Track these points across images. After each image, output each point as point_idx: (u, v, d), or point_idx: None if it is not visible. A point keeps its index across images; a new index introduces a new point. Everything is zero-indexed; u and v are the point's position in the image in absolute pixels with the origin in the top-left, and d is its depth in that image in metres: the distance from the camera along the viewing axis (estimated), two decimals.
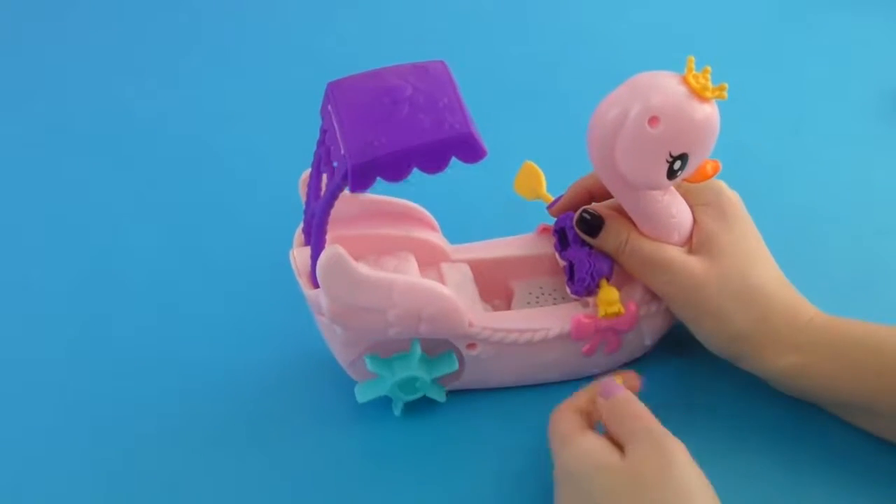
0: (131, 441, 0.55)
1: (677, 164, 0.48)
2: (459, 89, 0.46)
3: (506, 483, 0.52)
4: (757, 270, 0.52)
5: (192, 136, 0.77)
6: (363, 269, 0.47)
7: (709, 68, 0.47)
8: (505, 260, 0.58)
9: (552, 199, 0.58)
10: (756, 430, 0.55)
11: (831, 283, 0.61)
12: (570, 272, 0.54)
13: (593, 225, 0.53)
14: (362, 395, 0.54)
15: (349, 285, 0.47)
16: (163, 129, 0.78)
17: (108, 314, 0.62)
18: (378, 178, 0.44)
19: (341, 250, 0.46)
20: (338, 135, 0.44)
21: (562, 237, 0.56)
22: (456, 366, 0.53)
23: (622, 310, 0.53)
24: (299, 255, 0.51)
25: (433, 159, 0.43)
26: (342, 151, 0.43)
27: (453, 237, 0.58)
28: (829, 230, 0.68)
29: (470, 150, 0.44)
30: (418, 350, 0.52)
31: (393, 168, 0.43)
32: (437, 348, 0.53)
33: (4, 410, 0.56)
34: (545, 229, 0.59)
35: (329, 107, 0.46)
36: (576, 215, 0.54)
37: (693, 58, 0.47)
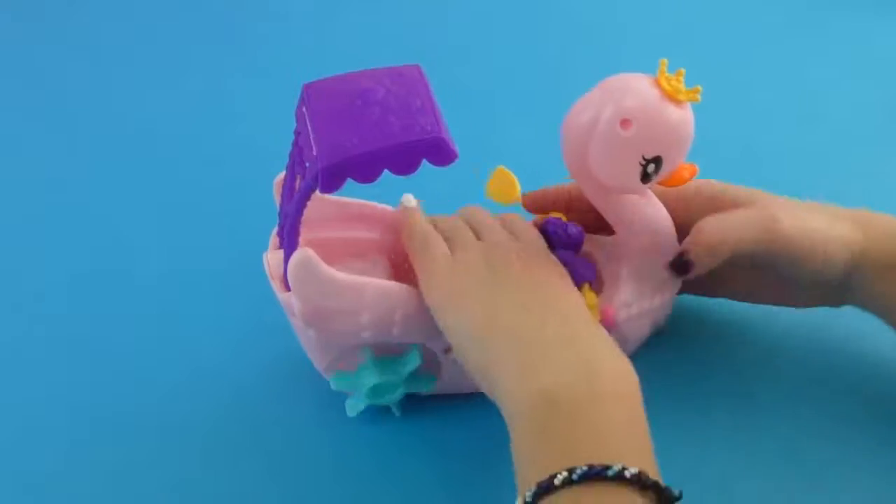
0: (130, 440, 0.55)
1: (651, 168, 0.47)
2: (433, 92, 0.46)
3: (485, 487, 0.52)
4: None
5: (192, 136, 0.77)
6: (333, 271, 0.47)
7: (682, 70, 0.47)
8: None
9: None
10: (750, 427, 0.55)
11: None
12: None
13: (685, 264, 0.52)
14: (351, 409, 0.54)
15: (320, 287, 0.47)
16: (163, 128, 0.78)
17: (106, 313, 0.62)
18: (350, 180, 0.44)
19: (311, 252, 0.46)
20: (310, 136, 0.45)
21: (546, 240, 0.56)
22: (417, 361, 0.52)
23: (597, 315, 0.52)
24: (273, 257, 0.51)
25: (404, 161, 0.44)
26: (314, 152, 0.44)
27: None
28: None
29: (440, 153, 0.44)
30: (368, 356, 0.52)
31: (363, 169, 0.43)
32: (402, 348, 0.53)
33: (4, 409, 0.56)
34: None
35: (303, 108, 0.46)
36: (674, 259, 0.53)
37: (665, 60, 0.47)
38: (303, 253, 0.46)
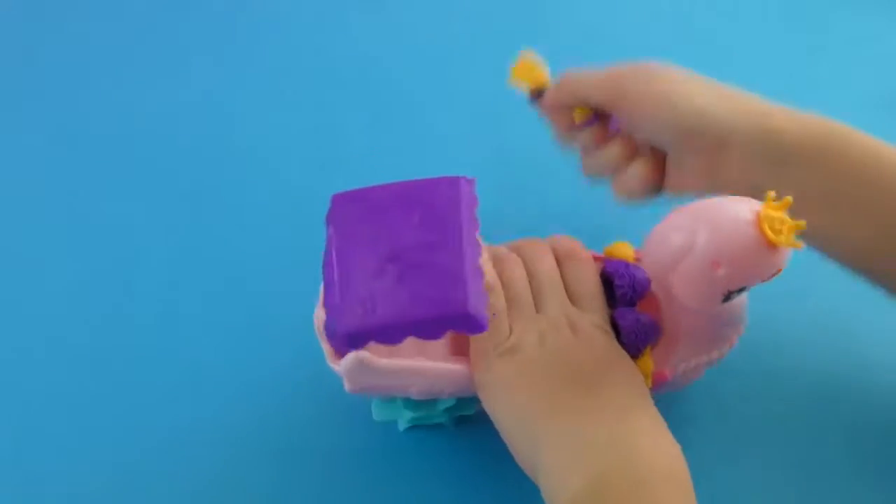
0: (141, 442, 0.56)
1: (734, 295, 0.44)
2: (468, 222, 0.43)
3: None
4: None
5: (203, 136, 0.73)
6: (388, 363, 0.46)
7: (789, 199, 0.42)
8: None
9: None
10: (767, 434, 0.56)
11: (837, 280, 0.60)
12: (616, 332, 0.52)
13: None
14: (378, 414, 0.54)
15: (375, 378, 0.46)
16: (173, 128, 0.74)
17: (119, 315, 0.62)
18: None
19: (364, 355, 0.45)
20: (334, 275, 0.42)
21: (608, 286, 0.53)
22: (453, 401, 0.52)
23: (650, 383, 0.51)
24: (321, 315, 0.49)
25: (428, 332, 0.42)
26: (336, 299, 0.42)
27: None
28: None
29: (467, 325, 0.42)
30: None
31: (385, 337, 0.42)
32: None
33: (14, 413, 0.57)
34: (596, 258, 0.55)
35: (330, 229, 0.44)
36: None
37: (773, 193, 0.42)
38: (354, 357, 0.44)
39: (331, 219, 0.44)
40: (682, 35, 0.83)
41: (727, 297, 0.45)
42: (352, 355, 0.45)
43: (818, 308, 0.61)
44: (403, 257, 0.42)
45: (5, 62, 0.81)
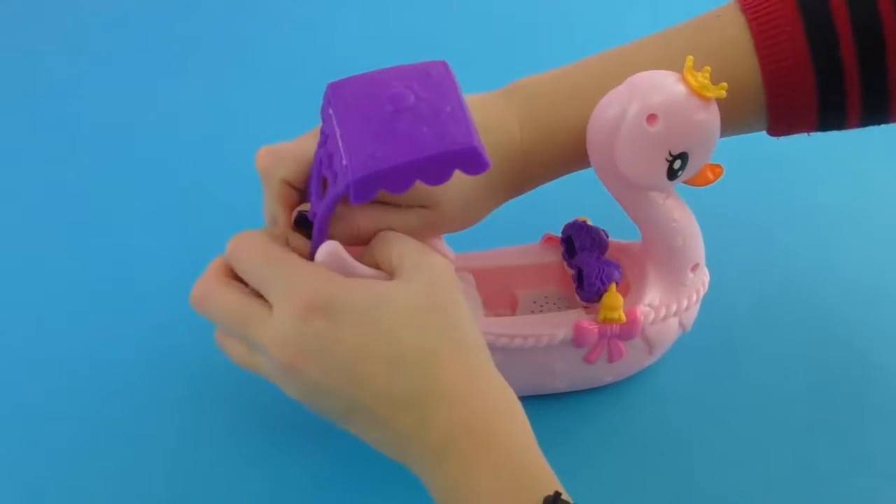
0: (143, 442, 0.55)
1: (677, 164, 0.47)
2: (462, 93, 0.46)
3: None
4: None
5: (202, 138, 0.77)
6: (359, 265, 0.47)
7: (709, 68, 0.46)
8: (510, 269, 0.58)
9: None
10: (770, 437, 0.55)
11: (841, 282, 0.61)
12: (580, 279, 0.54)
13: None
14: None
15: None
16: (172, 130, 0.77)
17: (117, 317, 0.62)
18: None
19: (339, 247, 0.46)
20: (339, 143, 0.44)
21: (569, 245, 0.55)
22: None
23: (622, 317, 0.52)
24: None
25: (435, 172, 0.43)
26: (344, 162, 0.43)
27: (457, 245, 0.57)
28: (840, 229, 0.68)
29: (473, 163, 0.43)
30: None
31: (394, 181, 0.43)
32: None
33: (15, 414, 0.56)
34: (550, 238, 0.58)
35: (329, 110, 0.46)
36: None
37: (692, 57, 0.47)
38: (330, 246, 0.46)
39: (329, 101, 0.46)
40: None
41: (671, 168, 0.47)
42: (327, 244, 0.46)
43: (818, 308, 0.62)
44: (406, 112, 0.44)
45: (5, 62, 0.83)
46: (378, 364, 0.42)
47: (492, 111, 0.51)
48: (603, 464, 0.54)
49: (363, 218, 0.48)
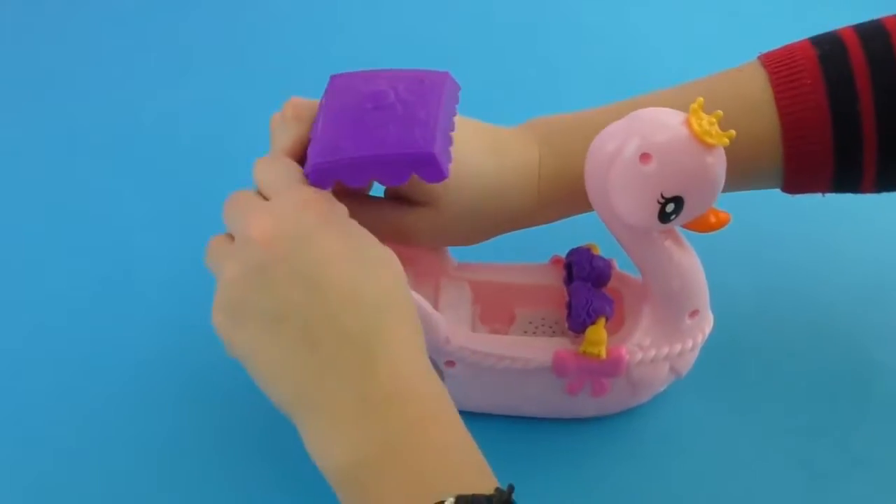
0: (142, 442, 0.55)
1: (670, 207, 0.45)
2: (450, 103, 0.46)
3: None
4: None
5: (203, 138, 0.77)
6: None
7: (720, 112, 0.44)
8: (511, 286, 0.57)
9: None
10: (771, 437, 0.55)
11: (846, 281, 0.60)
12: (570, 307, 0.53)
13: None
14: None
15: None
16: (172, 130, 0.78)
17: (117, 317, 0.62)
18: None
19: None
20: (318, 129, 0.45)
21: (570, 271, 0.54)
22: None
23: (603, 353, 0.50)
24: None
25: (392, 172, 0.43)
26: (311, 147, 0.44)
27: (462, 254, 0.56)
28: (846, 228, 0.67)
29: (429, 169, 0.43)
30: None
31: (351, 174, 0.43)
32: None
33: (14, 413, 0.57)
34: (557, 261, 0.57)
35: (323, 100, 0.47)
36: None
37: (702, 99, 0.45)
38: None
39: (326, 93, 0.47)
40: (680, 34, 0.86)
41: (664, 212, 0.45)
42: None
43: (818, 308, 0.61)
44: (381, 110, 0.44)
45: (6, 62, 0.85)
46: (345, 277, 0.41)
47: (515, 144, 0.52)
48: (602, 463, 0.55)
49: (363, 214, 0.48)
